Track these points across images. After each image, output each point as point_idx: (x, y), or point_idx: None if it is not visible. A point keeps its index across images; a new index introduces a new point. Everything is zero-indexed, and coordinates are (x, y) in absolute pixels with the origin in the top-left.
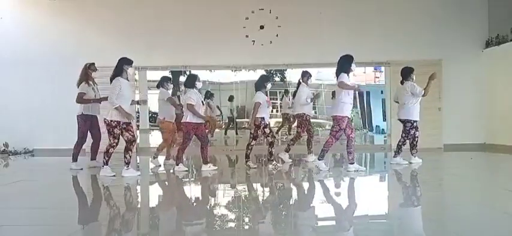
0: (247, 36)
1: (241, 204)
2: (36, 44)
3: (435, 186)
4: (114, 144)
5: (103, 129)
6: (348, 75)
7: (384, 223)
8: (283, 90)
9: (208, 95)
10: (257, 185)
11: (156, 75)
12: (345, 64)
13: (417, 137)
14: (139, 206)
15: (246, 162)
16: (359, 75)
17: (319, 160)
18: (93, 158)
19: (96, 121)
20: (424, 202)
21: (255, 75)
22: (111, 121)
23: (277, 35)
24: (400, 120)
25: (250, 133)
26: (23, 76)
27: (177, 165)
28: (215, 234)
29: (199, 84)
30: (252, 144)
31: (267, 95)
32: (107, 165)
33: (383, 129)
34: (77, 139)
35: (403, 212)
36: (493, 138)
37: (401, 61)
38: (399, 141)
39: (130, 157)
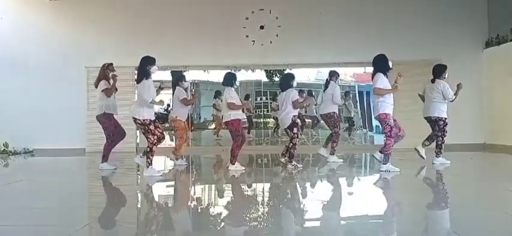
0: (247, 36)
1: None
2: (36, 44)
3: (435, 186)
4: (155, 141)
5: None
6: (386, 75)
7: (383, 222)
8: (298, 90)
9: (216, 95)
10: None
11: (156, 75)
12: (380, 66)
13: (437, 137)
14: (148, 205)
15: (290, 161)
16: (359, 76)
17: (385, 164)
18: (104, 160)
19: (115, 120)
20: (424, 202)
21: (255, 75)
22: (144, 120)
23: (277, 35)
24: (428, 118)
25: (287, 133)
26: (23, 77)
27: (233, 164)
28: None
29: (237, 83)
30: (295, 142)
31: (264, 94)
32: (152, 164)
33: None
34: (106, 140)
35: (403, 212)
36: (493, 138)
37: (401, 61)
38: (437, 141)
39: (151, 159)
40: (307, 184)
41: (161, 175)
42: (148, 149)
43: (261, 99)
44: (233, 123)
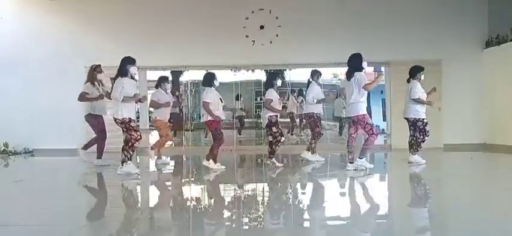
0: (247, 36)
1: (248, 203)
2: (36, 44)
3: (435, 186)
4: (139, 137)
5: (111, 128)
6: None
7: (383, 222)
8: (290, 90)
9: None
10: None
11: (156, 75)
12: (355, 64)
13: (417, 137)
14: (142, 206)
15: (270, 158)
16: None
17: (360, 158)
18: (99, 157)
19: (102, 120)
20: (424, 202)
21: (255, 75)
22: (124, 118)
23: (277, 35)
24: (407, 118)
25: (269, 133)
26: (23, 77)
27: (215, 163)
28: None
29: (216, 83)
30: (279, 140)
31: (264, 94)
32: (127, 162)
33: (383, 129)
34: (96, 137)
35: (403, 212)
36: (493, 138)
37: (401, 61)
38: (418, 140)
39: (130, 155)
40: (285, 184)
41: (138, 173)
42: (130, 144)
43: (261, 99)
44: (212, 123)
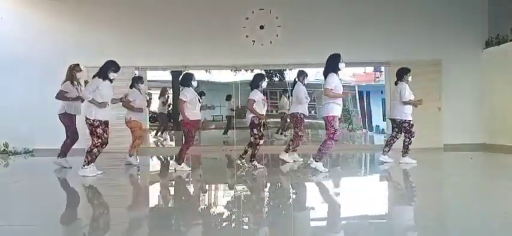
0: (247, 36)
1: (237, 205)
2: (36, 44)
3: (435, 186)
4: (98, 144)
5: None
6: (337, 74)
7: (383, 223)
8: (282, 90)
9: (201, 95)
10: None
11: (156, 75)
12: (332, 64)
13: (398, 139)
14: (136, 206)
15: (251, 160)
16: (359, 75)
17: (317, 161)
18: (62, 156)
19: (75, 121)
20: (424, 202)
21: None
22: (94, 120)
23: (277, 35)
24: (393, 119)
25: (251, 134)
26: (23, 76)
27: (180, 164)
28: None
29: (194, 83)
30: (258, 143)
31: (264, 94)
32: (88, 165)
33: (383, 129)
34: (68, 137)
35: (403, 212)
36: (493, 138)
37: (401, 61)
38: (404, 142)
39: (95, 157)
40: (255, 185)
41: (95, 175)
42: (89, 149)
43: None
44: (185, 124)
